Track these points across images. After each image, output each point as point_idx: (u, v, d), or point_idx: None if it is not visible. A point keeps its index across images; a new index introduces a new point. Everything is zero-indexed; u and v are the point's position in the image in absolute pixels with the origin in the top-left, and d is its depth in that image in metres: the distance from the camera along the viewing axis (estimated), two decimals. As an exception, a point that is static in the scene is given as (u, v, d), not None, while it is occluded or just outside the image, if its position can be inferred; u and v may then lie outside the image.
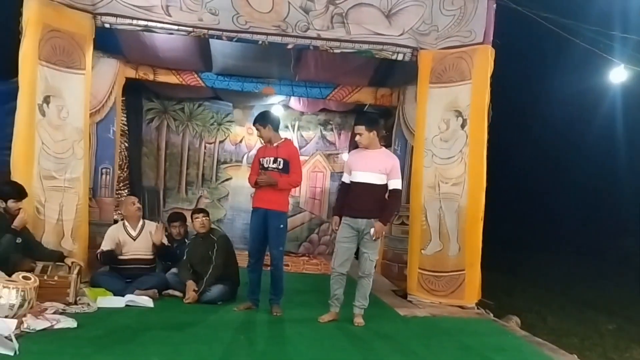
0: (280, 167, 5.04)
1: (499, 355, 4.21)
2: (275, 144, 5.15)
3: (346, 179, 5.00)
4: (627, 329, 7.05)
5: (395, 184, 4.81)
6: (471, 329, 4.84)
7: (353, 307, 4.90)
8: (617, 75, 6.51)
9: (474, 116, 5.71)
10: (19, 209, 4.84)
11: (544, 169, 16.30)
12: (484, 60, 5.67)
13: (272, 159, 5.08)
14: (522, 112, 14.37)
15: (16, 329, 3.80)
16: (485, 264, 6.22)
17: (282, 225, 5.11)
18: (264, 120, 5.14)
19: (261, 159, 5.14)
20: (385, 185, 4.81)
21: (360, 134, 4.83)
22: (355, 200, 4.81)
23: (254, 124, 5.27)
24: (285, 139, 5.37)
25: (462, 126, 5.78)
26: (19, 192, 4.91)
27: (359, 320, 4.83)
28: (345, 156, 9.34)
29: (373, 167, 4.78)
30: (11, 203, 4.84)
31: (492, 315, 5.76)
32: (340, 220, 4.90)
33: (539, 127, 15.08)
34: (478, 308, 5.76)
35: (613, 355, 5.90)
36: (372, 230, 4.69)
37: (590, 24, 6.08)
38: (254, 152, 9.04)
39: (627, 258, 13.16)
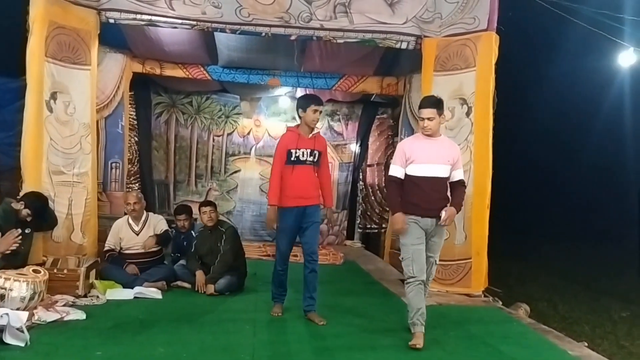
0: (315, 160, 4.55)
1: (503, 343, 4.21)
2: (311, 135, 4.56)
3: (398, 172, 4.21)
4: (641, 317, 7.01)
5: (460, 174, 4.28)
6: (477, 317, 4.84)
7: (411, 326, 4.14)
8: (626, 58, 6.42)
9: (478, 103, 5.67)
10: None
11: (553, 154, 16.13)
12: (488, 47, 5.61)
13: (308, 151, 4.50)
14: (528, 98, 14.26)
15: (27, 321, 3.89)
16: (497, 251, 6.21)
17: (319, 220, 4.66)
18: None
19: (292, 150, 4.47)
20: (449, 177, 4.24)
21: (430, 119, 4.13)
22: (420, 197, 4.11)
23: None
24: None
25: (467, 114, 5.74)
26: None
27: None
28: (353, 147, 9.34)
29: (440, 158, 4.17)
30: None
31: (500, 303, 5.75)
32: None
33: (546, 112, 14.91)
34: (485, 296, 5.75)
35: (625, 342, 5.86)
36: (443, 213, 4.08)
37: (598, 7, 5.99)
38: (262, 144, 9.15)
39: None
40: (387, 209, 8.62)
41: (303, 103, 4.57)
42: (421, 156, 4.14)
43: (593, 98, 13.64)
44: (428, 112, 4.14)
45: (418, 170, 4.14)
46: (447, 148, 4.24)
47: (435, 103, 4.19)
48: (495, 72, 5.67)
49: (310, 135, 4.55)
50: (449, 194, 4.24)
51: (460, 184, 4.29)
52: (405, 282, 4.18)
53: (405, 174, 4.19)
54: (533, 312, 6.07)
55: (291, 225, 4.53)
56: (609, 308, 7.35)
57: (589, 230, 14.42)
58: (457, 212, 4.22)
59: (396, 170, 4.22)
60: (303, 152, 4.48)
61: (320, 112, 4.57)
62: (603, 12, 5.89)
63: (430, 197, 4.11)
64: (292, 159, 4.46)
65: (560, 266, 10.46)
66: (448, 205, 4.16)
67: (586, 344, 4.93)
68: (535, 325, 4.91)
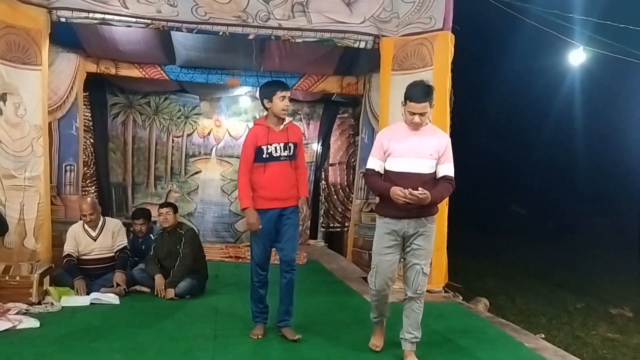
0: (291, 153, 4.01)
1: (463, 338, 4.29)
2: (282, 126, 4.02)
3: (376, 165, 3.72)
4: (595, 307, 7.25)
5: (448, 169, 3.63)
6: (437, 313, 4.90)
7: (402, 342, 3.78)
8: (576, 56, 6.62)
9: (436, 102, 5.68)
10: None
11: (509, 150, 16.59)
12: (445, 46, 5.70)
13: (282, 145, 3.97)
14: (484, 95, 14.59)
15: (-23, 331, 3.76)
16: (457, 247, 6.31)
17: (298, 223, 4.18)
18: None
19: (263, 146, 3.94)
20: (435, 173, 3.65)
21: (423, 114, 3.58)
22: None
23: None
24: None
25: (425, 112, 5.78)
26: None
27: None
28: (314, 146, 9.34)
29: (422, 151, 3.59)
30: None
31: (460, 298, 5.85)
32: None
33: (502, 109, 15.31)
34: (446, 292, 5.84)
35: (580, 333, 6.05)
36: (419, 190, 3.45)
37: (548, 6, 6.16)
38: (222, 144, 9.05)
39: (597, 238, 13.45)
40: (350, 207, 8.67)
41: (267, 91, 4.01)
42: (400, 149, 3.61)
43: (546, 95, 14.10)
44: (422, 107, 3.56)
45: (396, 165, 3.63)
46: (433, 140, 3.64)
47: (429, 95, 3.59)
48: (452, 70, 5.77)
49: (282, 126, 4.00)
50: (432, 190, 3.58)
51: (446, 180, 3.63)
52: (369, 292, 3.90)
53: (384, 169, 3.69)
54: (492, 306, 6.20)
55: (265, 229, 3.98)
56: (564, 300, 7.58)
57: (544, 225, 14.85)
58: (431, 202, 3.52)
59: (373, 163, 3.72)
60: (276, 147, 3.95)
61: (289, 98, 4.04)
62: (553, 11, 6.06)
63: None
64: (264, 156, 3.94)
65: (518, 260, 10.73)
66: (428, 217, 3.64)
67: (543, 336, 5.08)
68: (493, 319, 5.02)
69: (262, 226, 3.96)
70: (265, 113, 4.16)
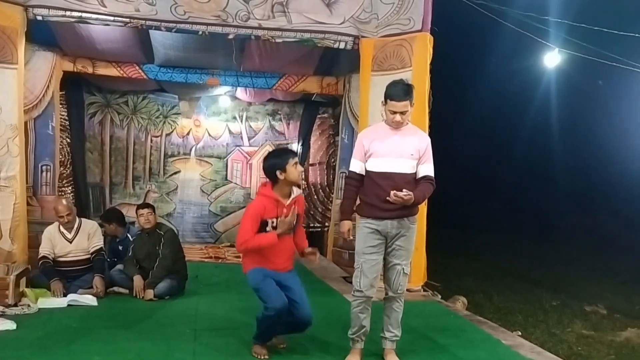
0: (294, 225, 3.80)
1: (441, 335, 4.35)
2: (290, 199, 3.74)
3: (357, 167, 3.70)
4: (570, 305, 7.37)
5: (428, 169, 3.65)
6: (416, 311, 4.93)
7: (382, 340, 3.80)
8: (552, 58, 6.73)
9: (415, 102, 5.76)
10: None
11: (487, 150, 16.83)
12: (423, 48, 5.76)
13: None
14: (463, 96, 14.78)
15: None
16: (436, 246, 6.37)
17: (299, 279, 3.89)
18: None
19: (269, 220, 3.67)
20: (416, 173, 3.66)
21: (403, 113, 3.56)
22: (378, 196, 3.57)
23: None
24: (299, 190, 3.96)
25: (404, 113, 5.84)
26: None
27: (394, 359, 3.75)
28: (294, 146, 9.34)
29: (403, 151, 3.59)
30: None
31: (439, 297, 5.91)
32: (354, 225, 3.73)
33: (480, 109, 15.50)
34: (425, 290, 5.89)
35: (555, 330, 6.15)
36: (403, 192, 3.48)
37: (524, 9, 6.26)
38: (202, 144, 9.01)
39: (572, 237, 13.68)
40: (330, 207, 8.70)
41: (279, 161, 3.67)
42: (381, 149, 3.60)
43: (524, 96, 14.33)
44: (403, 106, 3.53)
45: (377, 165, 3.61)
46: (414, 139, 3.64)
47: (409, 93, 3.56)
48: (431, 71, 5.83)
49: (290, 199, 3.73)
50: (413, 190, 3.58)
51: (426, 180, 3.64)
52: (352, 293, 3.76)
53: (365, 170, 3.68)
54: (470, 304, 6.28)
55: (267, 275, 3.70)
56: (540, 298, 7.69)
57: (521, 224, 15.05)
58: (413, 202, 3.54)
59: (355, 165, 3.70)
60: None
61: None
62: (530, 14, 6.16)
63: (389, 195, 3.51)
64: (267, 228, 3.67)
65: (495, 259, 10.84)
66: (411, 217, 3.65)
67: (519, 333, 5.16)
68: (471, 317, 5.09)
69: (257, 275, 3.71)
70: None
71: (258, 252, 3.70)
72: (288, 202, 3.71)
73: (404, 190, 3.47)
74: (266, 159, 3.80)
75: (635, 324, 6.50)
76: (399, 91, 3.56)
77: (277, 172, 3.66)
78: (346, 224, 3.74)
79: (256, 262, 3.73)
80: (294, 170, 3.67)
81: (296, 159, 3.73)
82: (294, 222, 3.73)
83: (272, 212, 3.67)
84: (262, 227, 3.67)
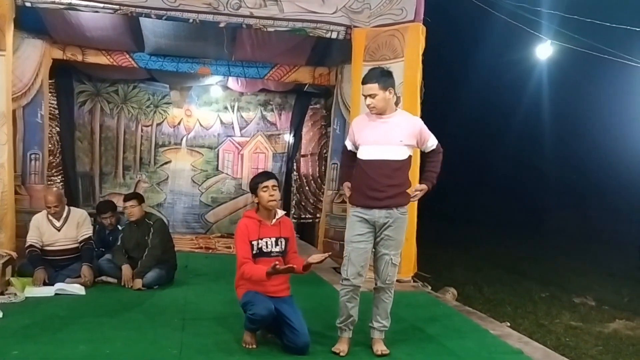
0: (283, 249, 3.83)
1: (431, 326, 4.37)
2: (275, 219, 3.83)
3: (349, 145, 3.84)
4: (558, 296, 7.43)
5: (432, 142, 3.72)
6: (406, 302, 4.95)
7: (371, 330, 3.79)
8: (544, 50, 6.73)
9: (407, 93, 5.78)
10: None
11: (479, 142, 16.86)
12: (416, 38, 5.73)
13: (273, 240, 3.80)
14: (456, 87, 14.76)
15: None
16: (426, 238, 6.37)
17: (295, 304, 3.90)
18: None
19: (253, 242, 3.74)
20: (408, 160, 3.67)
21: (371, 96, 3.56)
22: (366, 184, 3.60)
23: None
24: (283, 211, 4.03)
25: (396, 103, 5.78)
26: None
27: (382, 348, 3.71)
28: (286, 137, 9.32)
29: (390, 138, 3.59)
30: None
31: (429, 288, 5.92)
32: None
33: (472, 101, 15.54)
34: (415, 281, 5.90)
35: (544, 321, 6.19)
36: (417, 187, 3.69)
37: (518, 1, 6.24)
38: (193, 134, 8.96)
39: (562, 229, 13.77)
40: (321, 198, 8.68)
41: (252, 186, 3.86)
42: (368, 137, 3.64)
43: (516, 88, 14.33)
44: (368, 89, 3.56)
45: (364, 152, 3.65)
46: (402, 125, 3.64)
47: (377, 76, 3.58)
48: (423, 62, 5.81)
49: (274, 220, 3.82)
50: (404, 179, 3.66)
51: (436, 152, 3.74)
52: (341, 282, 3.78)
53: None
54: (460, 296, 6.32)
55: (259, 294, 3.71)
56: (529, 289, 7.75)
57: (511, 216, 15.12)
58: (432, 185, 3.70)
59: (347, 144, 3.86)
60: (267, 242, 3.77)
61: (275, 186, 3.78)
62: (522, 5, 6.14)
63: (377, 184, 3.56)
64: (254, 252, 3.73)
65: (485, 251, 10.92)
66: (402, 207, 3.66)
67: (508, 324, 5.18)
68: (460, 308, 5.11)
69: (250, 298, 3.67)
70: None
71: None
72: (271, 223, 3.81)
73: (417, 185, 3.71)
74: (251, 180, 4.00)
75: (622, 315, 6.57)
76: (367, 75, 3.64)
77: (252, 197, 3.87)
78: (345, 184, 3.85)
79: (247, 288, 3.75)
80: (263, 194, 3.74)
81: (267, 183, 3.75)
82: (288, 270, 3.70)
83: (255, 234, 3.74)
84: (258, 248, 3.77)
